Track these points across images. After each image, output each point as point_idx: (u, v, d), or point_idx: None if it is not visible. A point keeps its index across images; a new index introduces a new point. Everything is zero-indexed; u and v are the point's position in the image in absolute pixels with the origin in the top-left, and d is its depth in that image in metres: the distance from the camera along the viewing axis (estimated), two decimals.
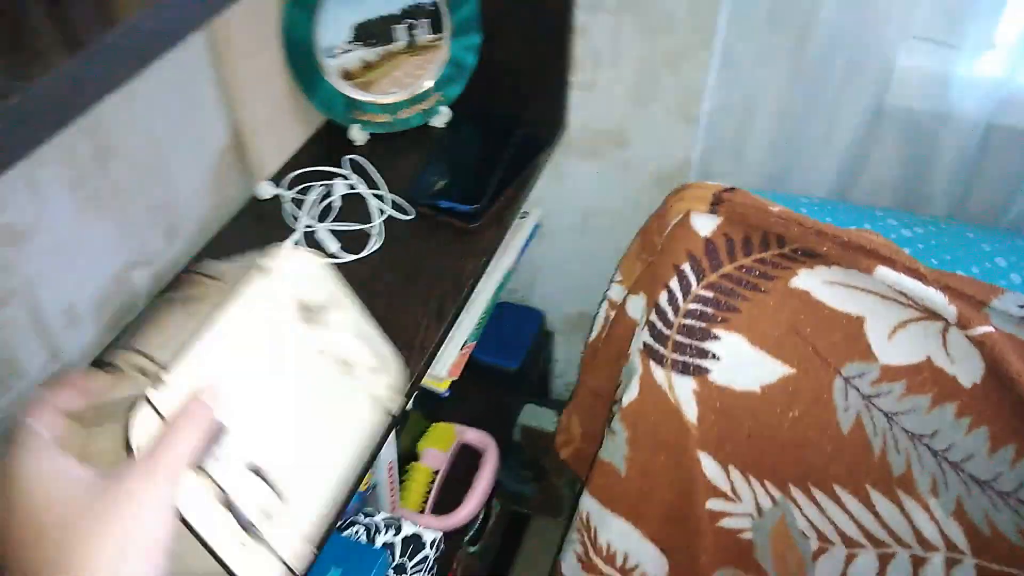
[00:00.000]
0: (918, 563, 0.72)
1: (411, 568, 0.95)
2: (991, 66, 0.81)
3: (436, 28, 0.96)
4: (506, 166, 0.93)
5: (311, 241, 0.84)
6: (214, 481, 0.39)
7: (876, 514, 0.73)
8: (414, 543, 0.96)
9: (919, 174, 0.87)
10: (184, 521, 0.38)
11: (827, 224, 0.73)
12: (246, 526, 0.38)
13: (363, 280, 0.80)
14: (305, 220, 0.84)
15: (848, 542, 0.78)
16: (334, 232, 0.84)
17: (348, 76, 0.94)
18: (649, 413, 0.79)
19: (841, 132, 0.87)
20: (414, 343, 0.75)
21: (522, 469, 1.43)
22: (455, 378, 0.97)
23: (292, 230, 0.84)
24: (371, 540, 0.96)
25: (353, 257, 0.82)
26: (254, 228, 0.86)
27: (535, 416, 1.33)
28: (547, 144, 1.02)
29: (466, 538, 1.18)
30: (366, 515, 0.97)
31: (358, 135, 0.96)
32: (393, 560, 0.95)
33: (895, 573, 0.72)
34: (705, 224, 0.78)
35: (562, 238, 1.17)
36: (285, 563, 0.39)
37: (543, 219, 1.17)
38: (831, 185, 0.92)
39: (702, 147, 0.98)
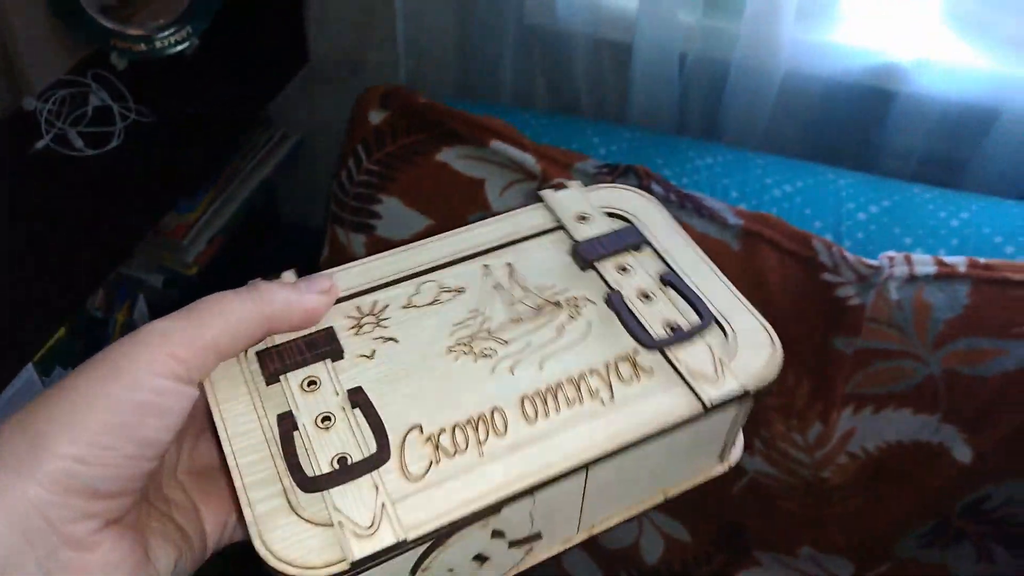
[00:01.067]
0: None
1: None
2: None
3: None
4: (240, 87, 1.12)
5: (62, 142, 1.01)
6: (288, 395, 0.29)
7: None
8: None
9: (563, 83, 1.11)
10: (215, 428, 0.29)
11: (461, 111, 0.95)
12: (298, 476, 0.27)
13: (106, 174, 0.98)
14: (57, 125, 1.02)
15: None
16: (81, 134, 1.02)
17: (105, 11, 1.11)
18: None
19: (504, 48, 1.10)
20: (144, 228, 0.94)
21: None
22: (200, 265, 1.16)
23: (49, 132, 1.01)
24: None
25: (94, 152, 1.00)
26: (16, 133, 1.03)
27: None
28: (286, 71, 1.22)
29: None
30: None
31: (118, 61, 1.13)
32: None
33: None
34: (376, 116, 0.99)
35: (325, 160, 1.37)
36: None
37: (304, 142, 1.36)
38: (511, 94, 1.14)
39: (410, 69, 1.20)
